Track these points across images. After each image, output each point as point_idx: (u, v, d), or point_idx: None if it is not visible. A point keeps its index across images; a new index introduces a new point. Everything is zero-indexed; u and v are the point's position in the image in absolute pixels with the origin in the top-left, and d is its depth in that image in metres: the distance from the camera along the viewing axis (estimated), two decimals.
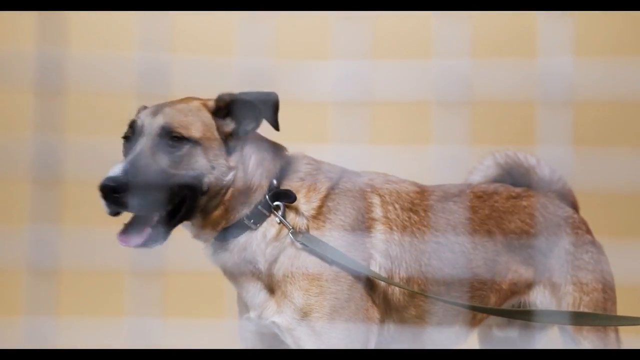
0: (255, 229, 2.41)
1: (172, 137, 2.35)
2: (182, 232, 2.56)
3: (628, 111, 3.12)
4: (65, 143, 2.85)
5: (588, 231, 2.76)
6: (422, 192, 2.64)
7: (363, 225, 2.49)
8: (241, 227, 2.41)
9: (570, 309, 2.64)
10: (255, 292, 2.44)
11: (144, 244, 2.31)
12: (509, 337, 2.80)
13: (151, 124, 2.36)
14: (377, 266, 2.45)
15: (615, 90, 2.98)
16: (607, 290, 2.69)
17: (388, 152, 2.99)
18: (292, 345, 2.41)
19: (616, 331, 2.73)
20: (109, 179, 2.25)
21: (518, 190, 2.77)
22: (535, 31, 3.03)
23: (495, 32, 3.15)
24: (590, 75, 2.84)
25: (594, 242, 2.75)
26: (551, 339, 2.80)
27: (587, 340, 2.62)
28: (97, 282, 3.03)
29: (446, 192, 2.66)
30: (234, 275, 2.46)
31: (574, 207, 2.84)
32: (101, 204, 2.28)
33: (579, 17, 3.11)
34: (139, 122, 2.39)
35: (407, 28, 3.19)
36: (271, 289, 2.42)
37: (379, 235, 2.50)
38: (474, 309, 2.51)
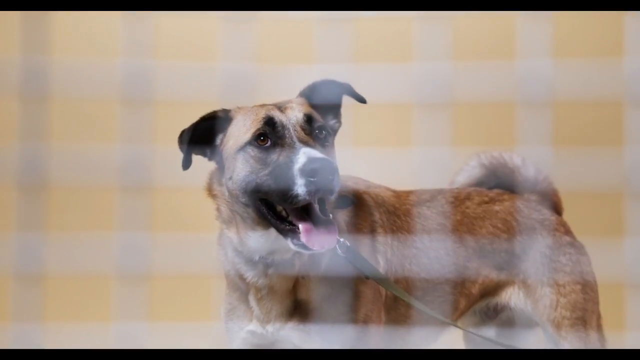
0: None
1: (317, 128, 2.31)
2: (167, 235, 2.57)
3: (607, 111, 3.16)
4: (50, 149, 2.86)
5: (567, 232, 2.77)
6: (398, 196, 2.66)
7: (370, 229, 2.51)
8: None
9: (548, 310, 2.65)
10: (284, 302, 2.39)
11: (334, 244, 2.20)
12: (489, 336, 2.82)
13: (290, 118, 2.30)
14: (381, 270, 2.47)
15: (594, 91, 3.01)
16: (588, 291, 2.70)
17: (370, 154, 3.01)
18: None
19: (598, 330, 2.74)
20: (326, 159, 2.15)
21: (491, 194, 2.78)
22: (514, 33, 3.06)
23: (476, 35, 3.18)
24: (569, 76, 2.87)
25: (573, 244, 2.75)
26: (532, 338, 2.82)
27: (566, 340, 2.63)
28: (83, 287, 3.04)
29: (419, 197, 2.68)
30: (274, 289, 2.39)
31: (558, 208, 2.85)
32: (297, 189, 2.13)
33: (557, 19, 3.13)
34: (276, 118, 2.32)
35: (388, 31, 3.21)
36: (302, 298, 2.39)
37: (380, 238, 2.52)
38: (471, 333, 2.53)
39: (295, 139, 2.26)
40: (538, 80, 2.81)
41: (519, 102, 3.00)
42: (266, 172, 2.26)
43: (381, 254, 2.51)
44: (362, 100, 2.40)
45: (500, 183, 2.86)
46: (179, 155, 2.41)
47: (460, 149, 3.03)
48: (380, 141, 3.17)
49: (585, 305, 2.69)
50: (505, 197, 2.78)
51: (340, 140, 2.68)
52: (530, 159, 2.83)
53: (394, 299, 2.52)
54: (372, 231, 2.52)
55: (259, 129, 2.30)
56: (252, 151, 2.30)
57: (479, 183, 2.88)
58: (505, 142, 3.09)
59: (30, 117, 2.77)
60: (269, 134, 2.28)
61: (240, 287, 2.47)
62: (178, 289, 3.20)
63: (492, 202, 2.75)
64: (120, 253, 2.76)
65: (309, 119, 2.34)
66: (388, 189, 2.69)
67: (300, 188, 2.17)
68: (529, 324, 2.79)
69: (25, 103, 2.84)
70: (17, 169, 2.81)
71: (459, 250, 2.64)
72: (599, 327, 2.76)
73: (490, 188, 2.86)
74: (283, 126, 2.29)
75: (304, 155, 2.20)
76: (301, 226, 2.23)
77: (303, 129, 2.30)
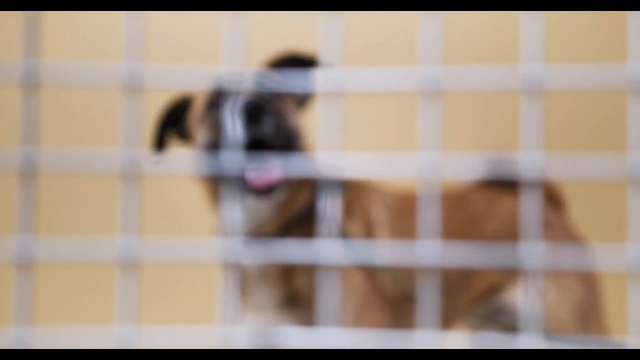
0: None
1: (270, 86, 2.31)
2: (168, 227, 2.54)
3: (609, 109, 3.14)
4: (43, 140, 2.85)
5: (569, 229, 2.76)
6: (397, 195, 2.64)
7: (369, 223, 2.49)
8: (313, 216, 2.32)
9: (550, 309, 2.63)
10: (277, 291, 2.37)
11: (278, 182, 2.18)
12: (491, 336, 2.80)
13: (241, 82, 2.30)
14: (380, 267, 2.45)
15: (596, 88, 3.00)
16: (591, 289, 2.68)
17: (366, 152, 2.99)
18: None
19: (602, 330, 2.72)
20: (258, 97, 2.16)
21: (493, 193, 2.77)
22: (515, 30, 3.04)
23: (478, 33, 3.16)
24: (570, 74, 2.85)
25: (575, 240, 2.74)
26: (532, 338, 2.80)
27: (568, 340, 2.61)
28: (79, 281, 3.02)
29: (419, 195, 2.66)
30: (266, 275, 2.37)
31: (562, 205, 2.84)
32: (235, 128, 2.17)
33: (559, 17, 3.13)
34: (227, 84, 2.31)
35: (390, 29, 3.20)
36: (295, 288, 2.36)
37: (379, 234, 2.50)
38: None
39: (242, 96, 2.25)
40: (539, 77, 2.79)
41: (519, 100, 2.98)
42: (218, 133, 2.27)
43: (379, 251, 2.49)
44: (324, 66, 2.38)
45: (504, 182, 2.85)
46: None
47: (458, 146, 3.02)
48: (377, 139, 3.15)
49: (588, 305, 2.67)
50: (507, 196, 2.77)
51: (339, 140, 2.66)
52: (535, 157, 2.82)
53: (401, 297, 2.50)
54: (372, 227, 2.51)
55: (210, 97, 2.30)
56: (205, 119, 2.31)
57: (484, 181, 2.87)
58: (505, 140, 3.07)
59: (26, 111, 2.76)
60: (220, 100, 2.29)
61: (236, 277, 2.46)
62: (177, 282, 3.17)
63: (495, 200, 2.74)
64: (120, 245, 2.74)
65: (260, 81, 2.34)
66: (385, 186, 2.68)
67: (236, 125, 2.19)
68: (531, 323, 2.78)
69: (23, 98, 2.83)
70: (15, 161, 2.80)
71: (461, 249, 2.63)
72: (603, 327, 2.74)
73: (494, 186, 2.85)
74: (234, 90, 2.28)
75: (242, 100, 2.21)
76: (249, 173, 2.22)
77: (253, 89, 2.30)
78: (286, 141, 2.24)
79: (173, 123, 2.40)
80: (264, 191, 2.21)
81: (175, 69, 3.05)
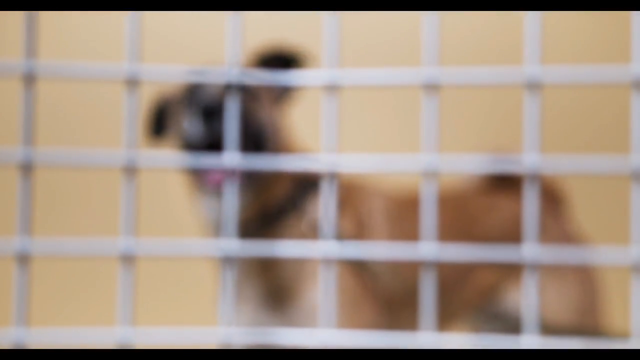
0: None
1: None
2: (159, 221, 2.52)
3: (612, 106, 3.13)
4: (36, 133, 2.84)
5: (567, 228, 2.74)
6: (393, 198, 2.62)
7: (362, 223, 2.46)
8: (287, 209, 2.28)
9: (549, 309, 2.62)
10: (260, 286, 2.33)
11: (228, 181, 2.14)
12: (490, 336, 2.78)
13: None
14: (375, 268, 2.43)
15: (600, 84, 2.99)
16: (592, 287, 2.67)
17: (366, 152, 2.98)
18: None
19: (602, 329, 2.71)
20: (214, 95, 2.13)
21: (489, 193, 2.75)
22: (520, 31, 3.03)
23: (481, 34, 3.15)
24: (572, 72, 2.83)
25: (574, 238, 2.73)
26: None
27: (567, 339, 2.60)
28: (77, 276, 3.01)
29: (414, 198, 2.63)
30: (248, 269, 2.33)
31: (559, 204, 2.83)
32: (186, 125, 2.13)
33: (555, 19, 3.12)
34: (199, 82, 2.26)
35: (391, 28, 3.19)
36: (278, 282, 2.33)
37: (375, 235, 2.48)
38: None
39: (204, 94, 2.19)
40: (542, 76, 2.77)
41: (522, 99, 2.97)
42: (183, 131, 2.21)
43: (372, 249, 2.47)
44: (307, 61, 2.31)
45: (502, 182, 2.83)
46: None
47: (459, 145, 3.01)
48: (378, 138, 3.14)
49: (588, 304, 2.66)
50: (503, 196, 2.75)
51: (341, 141, 2.65)
52: (536, 156, 2.80)
53: (397, 296, 2.48)
54: (363, 225, 2.48)
55: (183, 95, 2.23)
56: (177, 115, 2.25)
57: (484, 180, 2.86)
58: (507, 139, 3.06)
59: (24, 109, 2.75)
60: (193, 97, 2.21)
61: (227, 272, 2.43)
62: (175, 279, 3.16)
63: (490, 201, 2.73)
64: (119, 241, 2.73)
65: (235, 77, 2.27)
66: (381, 189, 2.66)
67: (195, 124, 2.14)
68: (530, 323, 2.76)
69: (22, 95, 2.82)
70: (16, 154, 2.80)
71: (459, 250, 2.61)
72: (603, 326, 2.73)
73: (494, 185, 2.84)
74: (205, 86, 2.21)
75: (202, 99, 2.15)
76: (201, 171, 2.17)
77: (218, 87, 2.24)
78: (254, 137, 2.20)
79: (161, 118, 2.33)
80: (215, 188, 2.14)
81: (176, 69, 3.04)
